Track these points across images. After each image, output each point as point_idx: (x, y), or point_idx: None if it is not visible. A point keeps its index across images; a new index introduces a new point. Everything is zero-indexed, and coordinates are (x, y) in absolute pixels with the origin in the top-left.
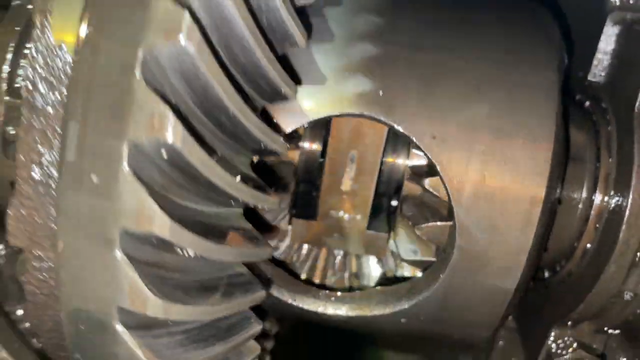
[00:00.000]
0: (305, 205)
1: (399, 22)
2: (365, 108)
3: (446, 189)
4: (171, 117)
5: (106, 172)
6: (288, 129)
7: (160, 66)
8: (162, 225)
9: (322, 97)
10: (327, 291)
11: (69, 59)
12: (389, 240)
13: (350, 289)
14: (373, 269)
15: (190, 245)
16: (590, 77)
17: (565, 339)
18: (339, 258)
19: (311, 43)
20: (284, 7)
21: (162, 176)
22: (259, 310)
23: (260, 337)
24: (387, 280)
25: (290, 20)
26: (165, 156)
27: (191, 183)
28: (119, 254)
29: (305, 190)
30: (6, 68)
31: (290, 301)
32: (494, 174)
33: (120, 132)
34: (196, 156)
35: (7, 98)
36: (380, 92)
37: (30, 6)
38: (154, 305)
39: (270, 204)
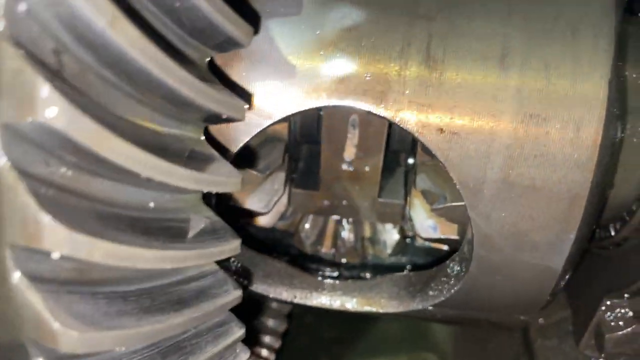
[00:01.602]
0: (305, 174)
1: None
2: (349, 98)
3: (460, 194)
4: (46, 88)
5: None
6: (254, 131)
7: None
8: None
9: (288, 91)
10: (331, 281)
11: None
12: (405, 206)
13: (363, 263)
14: (389, 233)
15: (101, 258)
16: None
17: (621, 311)
18: (348, 227)
19: (268, 15)
20: None
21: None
22: (259, 307)
23: (268, 334)
24: (406, 242)
25: None
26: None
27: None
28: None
29: (304, 157)
30: None
31: (290, 300)
32: (521, 172)
33: None
34: (87, 134)
35: None
36: (367, 76)
37: None
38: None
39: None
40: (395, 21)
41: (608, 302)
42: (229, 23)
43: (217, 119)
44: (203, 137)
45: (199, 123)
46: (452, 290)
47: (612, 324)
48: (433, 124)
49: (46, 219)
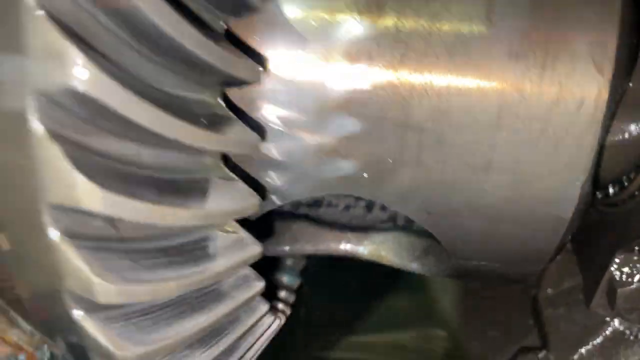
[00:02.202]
0: None
1: None
2: (350, 190)
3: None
4: (76, 55)
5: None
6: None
7: None
8: (92, 200)
9: (299, 181)
10: (347, 233)
11: None
12: None
13: None
14: None
15: (133, 216)
16: None
17: (632, 265)
18: None
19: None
20: None
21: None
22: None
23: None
24: None
25: None
26: (81, 102)
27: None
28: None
29: None
30: None
31: (314, 251)
32: (500, 251)
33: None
34: (118, 100)
35: None
36: (365, 175)
37: None
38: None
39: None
40: (388, 131)
41: (619, 258)
42: None
43: (232, 81)
44: (221, 101)
45: (217, 87)
46: (442, 273)
47: (624, 278)
48: (423, 212)
49: (80, 179)
